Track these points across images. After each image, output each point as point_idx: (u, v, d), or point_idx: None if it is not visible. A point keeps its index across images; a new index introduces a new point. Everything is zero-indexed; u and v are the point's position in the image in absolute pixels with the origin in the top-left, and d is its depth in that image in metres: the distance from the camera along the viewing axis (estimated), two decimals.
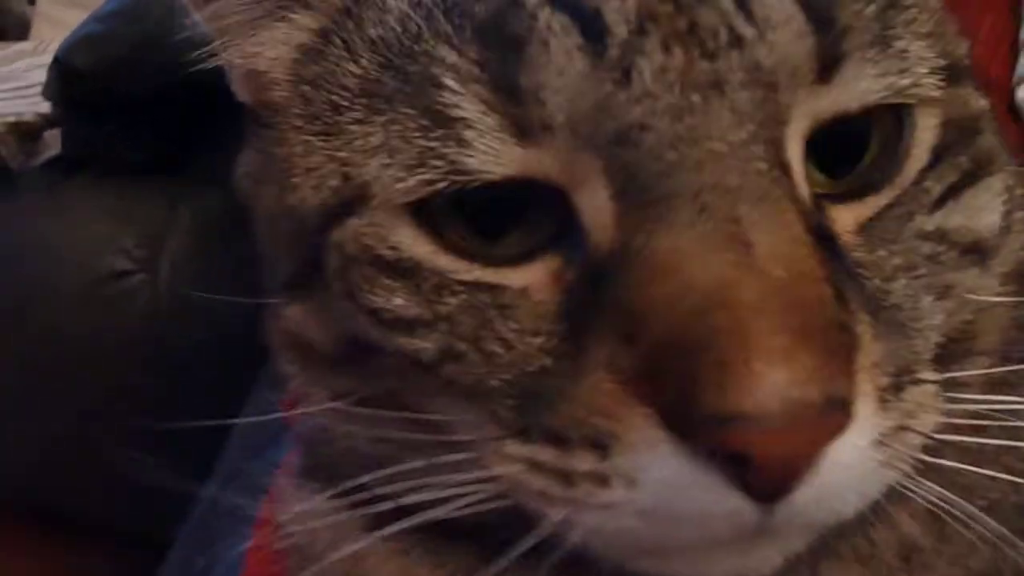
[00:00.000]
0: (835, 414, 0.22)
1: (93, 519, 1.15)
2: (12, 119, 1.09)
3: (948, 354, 0.26)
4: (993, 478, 0.26)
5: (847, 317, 0.23)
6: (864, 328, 0.23)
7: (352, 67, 0.28)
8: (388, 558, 0.30)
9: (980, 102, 0.28)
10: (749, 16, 0.24)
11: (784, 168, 0.24)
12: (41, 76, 1.05)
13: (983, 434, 0.26)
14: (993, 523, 0.25)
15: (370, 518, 0.29)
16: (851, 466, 0.22)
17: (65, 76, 1.03)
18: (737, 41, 0.24)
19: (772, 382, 0.21)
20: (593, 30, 0.24)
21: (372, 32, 0.28)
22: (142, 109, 1.05)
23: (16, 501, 1.18)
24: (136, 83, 1.00)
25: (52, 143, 1.15)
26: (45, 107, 1.11)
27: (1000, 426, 0.26)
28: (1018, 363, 0.28)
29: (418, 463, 0.27)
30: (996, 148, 0.28)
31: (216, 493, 0.60)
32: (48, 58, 1.04)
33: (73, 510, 1.15)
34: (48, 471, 1.14)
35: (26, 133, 1.10)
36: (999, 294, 0.28)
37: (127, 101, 1.03)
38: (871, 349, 0.23)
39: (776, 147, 0.24)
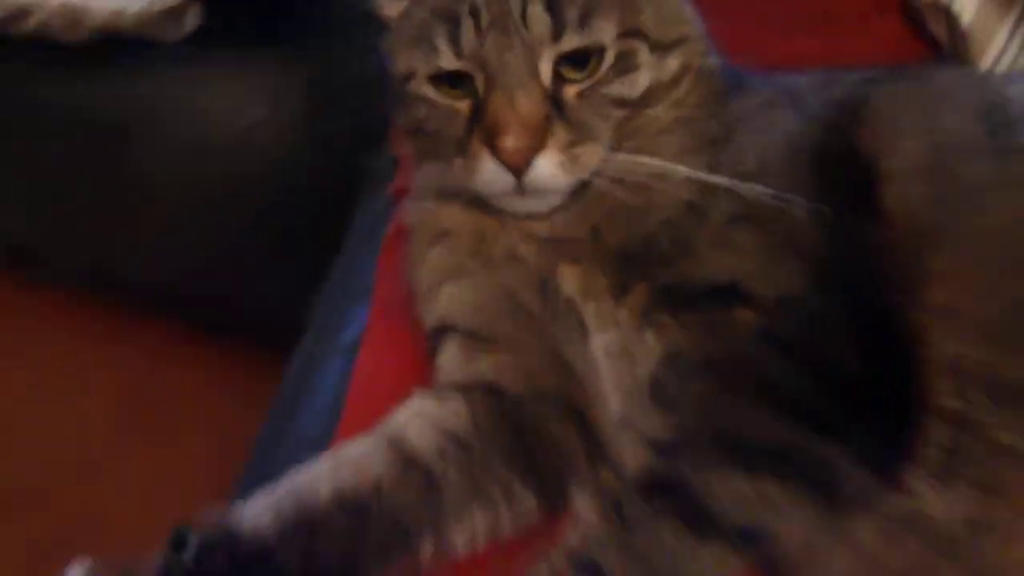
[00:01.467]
0: (533, 150, 0.54)
1: (239, 327, 1.48)
2: (162, 6, 1.35)
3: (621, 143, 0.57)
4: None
5: (549, 126, 0.55)
6: (559, 129, 0.55)
7: (419, 14, 0.58)
8: (459, 211, 0.62)
9: (641, 46, 0.57)
10: (524, 16, 0.55)
11: (539, 74, 0.55)
12: None
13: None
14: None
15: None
16: (549, 166, 0.55)
17: None
18: (520, 26, 0.54)
19: (511, 141, 0.53)
20: (474, 16, 0.55)
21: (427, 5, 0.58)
22: None
23: (175, 310, 1.55)
24: None
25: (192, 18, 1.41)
26: None
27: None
28: None
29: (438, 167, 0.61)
30: (644, 56, 0.57)
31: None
32: None
33: (223, 320, 1.49)
34: (204, 285, 1.46)
35: (175, 12, 1.33)
36: (654, 120, 0.58)
37: None
38: (560, 136, 0.55)
39: (535, 66, 0.55)
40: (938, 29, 0.86)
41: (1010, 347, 0.44)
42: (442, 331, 0.60)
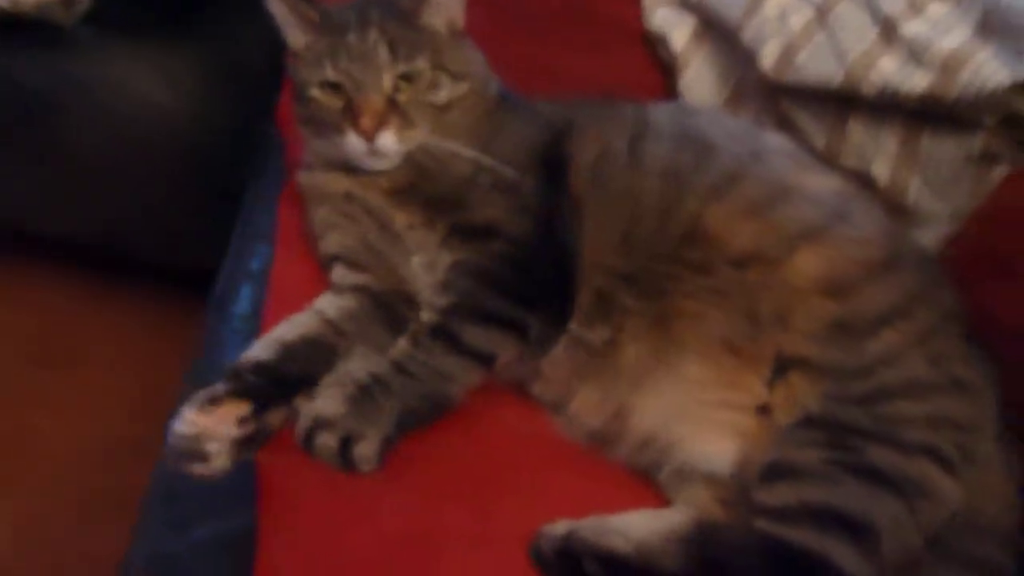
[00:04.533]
0: (378, 127, 0.88)
1: (157, 263, 1.68)
2: None
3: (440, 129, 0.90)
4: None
5: (389, 115, 0.88)
6: (394, 118, 0.89)
7: (316, 47, 0.92)
8: (334, 178, 0.94)
9: (443, 74, 0.91)
10: (375, 51, 0.89)
11: (383, 85, 0.88)
12: None
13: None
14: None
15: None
16: (387, 140, 0.88)
17: None
18: (373, 57, 0.89)
19: (366, 122, 0.87)
20: (347, 50, 0.90)
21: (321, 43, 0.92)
22: None
23: (83, 262, 1.69)
24: None
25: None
26: None
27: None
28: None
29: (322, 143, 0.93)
30: (446, 80, 0.91)
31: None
32: None
33: (145, 256, 1.69)
34: (108, 239, 1.66)
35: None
36: (453, 121, 0.91)
37: None
38: (395, 122, 0.88)
39: (380, 79, 0.88)
40: (663, 54, 1.25)
41: (623, 255, 0.85)
42: (331, 260, 0.96)
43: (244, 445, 0.79)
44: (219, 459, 0.78)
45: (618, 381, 0.83)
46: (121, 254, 1.72)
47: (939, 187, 1.00)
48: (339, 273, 0.94)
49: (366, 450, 0.77)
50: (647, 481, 0.81)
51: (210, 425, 0.78)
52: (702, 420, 0.79)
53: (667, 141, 0.90)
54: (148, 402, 1.24)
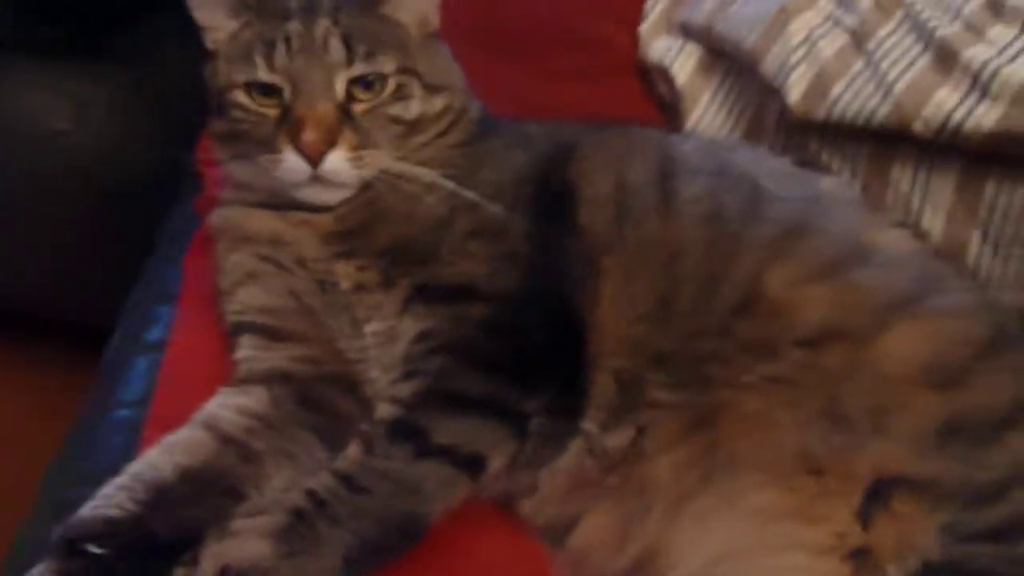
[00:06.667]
0: (327, 144, 0.68)
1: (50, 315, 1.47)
2: None
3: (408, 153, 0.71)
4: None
5: (341, 129, 0.68)
6: (348, 133, 0.68)
7: (244, 36, 0.71)
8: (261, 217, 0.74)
9: (414, 82, 0.72)
10: (325, 45, 0.68)
11: (334, 89, 0.69)
12: None
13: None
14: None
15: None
16: (338, 162, 0.68)
17: None
18: (322, 52, 0.68)
19: (310, 136, 0.67)
20: (287, 42, 0.69)
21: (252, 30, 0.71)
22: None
23: None
24: None
25: None
26: None
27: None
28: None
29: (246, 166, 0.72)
30: (417, 90, 0.72)
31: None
32: None
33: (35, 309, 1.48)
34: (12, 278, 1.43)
35: None
36: (422, 143, 0.72)
37: None
38: (349, 138, 0.68)
39: (331, 82, 0.69)
40: (663, 88, 1.07)
41: (657, 326, 0.64)
42: (239, 329, 0.71)
43: None
44: None
45: (644, 508, 0.60)
46: (18, 311, 1.48)
47: (1006, 245, 0.82)
48: (248, 351, 0.69)
49: None
50: None
51: None
52: (769, 568, 0.56)
53: (705, 179, 0.70)
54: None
